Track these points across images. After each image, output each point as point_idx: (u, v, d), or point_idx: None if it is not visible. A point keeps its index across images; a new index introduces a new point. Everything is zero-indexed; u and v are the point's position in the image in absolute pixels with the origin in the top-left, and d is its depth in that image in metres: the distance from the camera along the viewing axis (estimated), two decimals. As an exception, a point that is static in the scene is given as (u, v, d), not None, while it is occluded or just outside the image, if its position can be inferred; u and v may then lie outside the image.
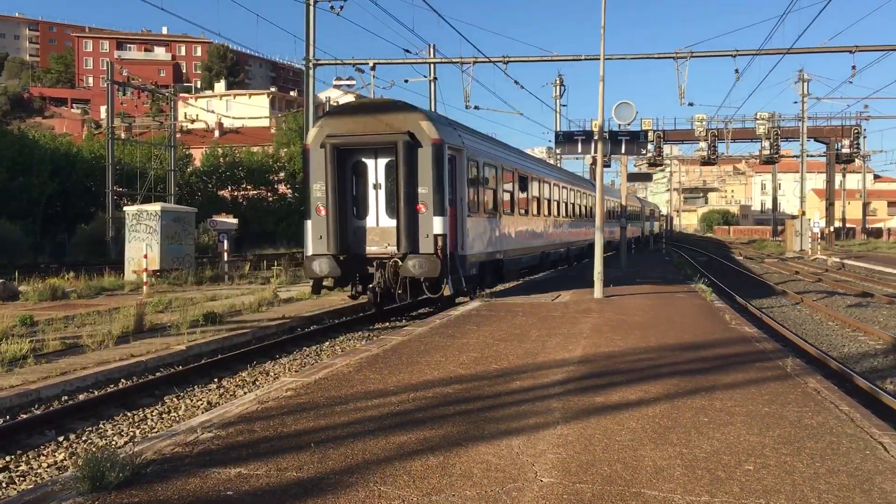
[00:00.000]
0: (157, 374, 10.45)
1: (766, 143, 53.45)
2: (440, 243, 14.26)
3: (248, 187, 56.66)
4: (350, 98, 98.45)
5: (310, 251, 15.21)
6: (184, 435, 5.67)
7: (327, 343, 13.46)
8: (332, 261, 14.67)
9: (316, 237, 15.02)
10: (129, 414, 8.69)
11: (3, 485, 6.50)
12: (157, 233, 23.54)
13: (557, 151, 39.16)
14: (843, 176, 70.62)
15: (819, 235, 45.16)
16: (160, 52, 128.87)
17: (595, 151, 17.39)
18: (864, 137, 56.76)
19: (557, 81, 49.65)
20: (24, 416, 8.18)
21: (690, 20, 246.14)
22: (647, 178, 46.40)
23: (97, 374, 9.74)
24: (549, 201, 24.17)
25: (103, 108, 54.68)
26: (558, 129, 45.65)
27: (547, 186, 24.01)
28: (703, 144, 54.68)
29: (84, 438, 7.79)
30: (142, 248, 21.44)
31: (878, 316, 17.40)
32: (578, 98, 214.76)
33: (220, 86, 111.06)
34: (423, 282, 14.40)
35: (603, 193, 16.99)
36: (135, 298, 16.91)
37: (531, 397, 6.87)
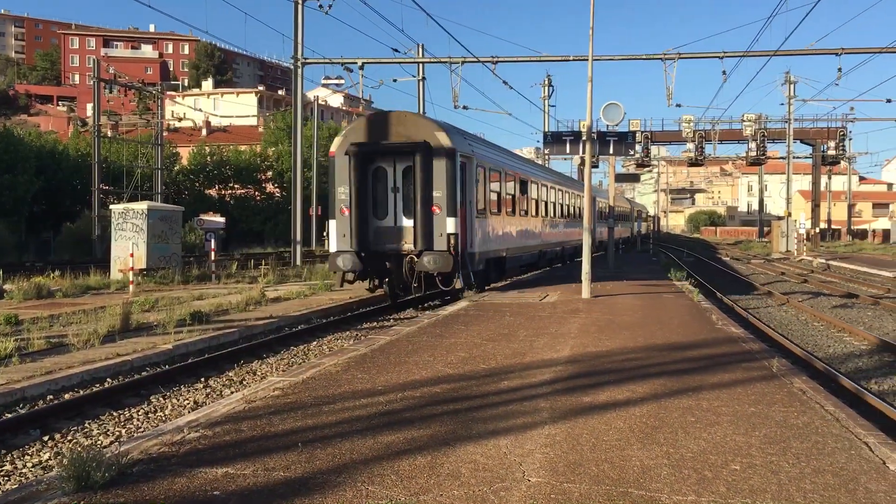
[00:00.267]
0: (144, 373, 10.38)
1: (753, 145, 53.70)
2: (453, 241, 15.69)
3: (236, 186, 56.44)
4: (339, 97, 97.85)
5: (334, 248, 16.59)
6: (170, 434, 5.64)
7: (315, 342, 13.42)
8: (354, 256, 16.05)
9: (340, 235, 16.43)
10: (114, 413, 8.62)
11: (-13, 485, 6.44)
12: (143, 231, 23.39)
13: (546, 152, 39.21)
14: (829, 177, 71.11)
15: (805, 237, 45.45)
16: (147, 50, 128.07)
17: (583, 152, 17.44)
18: (850, 139, 56.99)
19: (546, 82, 49.77)
20: (9, 416, 8.10)
21: (678, 21, 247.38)
22: (634, 178, 46.59)
23: (83, 374, 9.67)
24: (545, 203, 25.60)
25: (90, 106, 54.28)
26: (547, 130, 45.79)
27: (544, 189, 25.42)
28: (690, 145, 54.88)
29: (69, 438, 7.73)
30: (128, 246, 21.30)
31: (863, 317, 17.53)
32: (567, 98, 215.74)
33: (207, 84, 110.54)
34: (436, 276, 15.80)
35: (592, 194, 17.11)
36: (121, 297, 16.81)
37: (519, 397, 6.88)
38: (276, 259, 31.74)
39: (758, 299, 21.73)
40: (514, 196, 21.34)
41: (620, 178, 32.79)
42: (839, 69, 30.68)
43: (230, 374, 10.86)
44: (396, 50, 33.68)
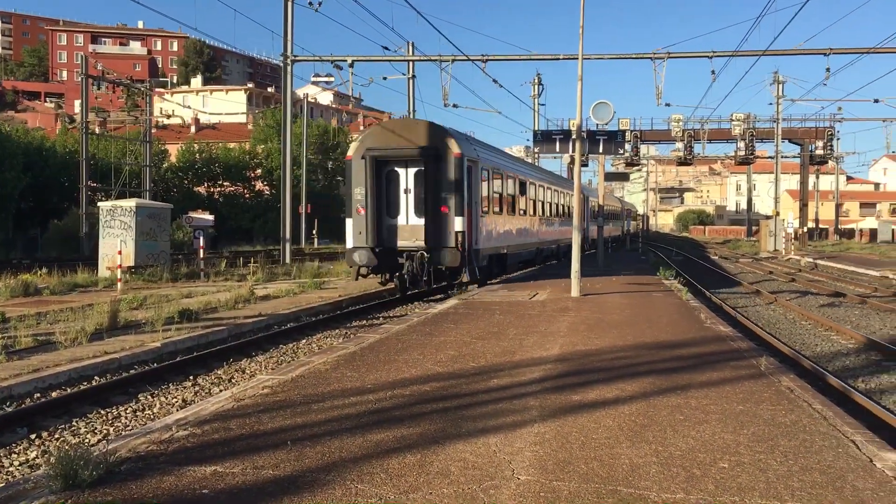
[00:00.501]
0: (132, 371, 10.33)
1: (742, 144, 53.94)
2: (460, 239, 17.04)
3: (225, 184, 56.22)
4: (329, 94, 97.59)
5: (350, 244, 17.80)
6: (159, 433, 5.61)
7: (304, 340, 13.38)
8: (369, 252, 17.33)
9: (356, 233, 17.64)
10: (102, 411, 8.57)
11: (-27, 483, 6.39)
12: (131, 229, 23.27)
13: (536, 150, 39.27)
14: (817, 177, 71.39)
15: (793, 236, 45.63)
16: (136, 47, 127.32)
17: (573, 151, 17.48)
18: (838, 139, 57.30)
19: (536, 80, 49.82)
20: (-5, 414, 8.05)
21: (668, 21, 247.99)
22: (624, 177, 46.63)
23: (70, 372, 9.61)
24: (542, 203, 26.90)
25: (77, 103, 53.96)
26: (537, 129, 45.79)
27: (541, 190, 26.77)
28: (679, 145, 55.05)
29: (57, 436, 7.68)
30: (116, 244, 21.19)
31: (851, 316, 17.63)
32: (557, 97, 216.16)
33: (196, 81, 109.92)
34: (444, 270, 17.30)
35: (582, 193, 17.18)
36: (109, 295, 16.72)
37: (509, 395, 6.88)
38: (266, 257, 31.62)
39: (746, 298, 21.83)
40: (513, 196, 22.53)
41: (610, 176, 32.82)
42: (827, 69, 30.85)
43: (219, 372, 10.82)
44: (386, 48, 33.58)
